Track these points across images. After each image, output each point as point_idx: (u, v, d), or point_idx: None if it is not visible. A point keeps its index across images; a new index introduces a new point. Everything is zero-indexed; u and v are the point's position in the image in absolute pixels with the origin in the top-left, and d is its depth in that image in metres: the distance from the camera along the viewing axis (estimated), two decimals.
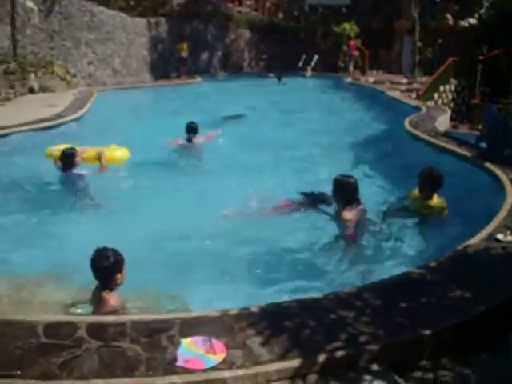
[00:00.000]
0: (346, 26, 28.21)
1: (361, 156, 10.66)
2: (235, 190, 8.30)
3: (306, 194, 6.88)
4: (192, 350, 3.26)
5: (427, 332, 3.60)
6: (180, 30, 25.20)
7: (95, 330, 3.46)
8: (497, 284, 4.34)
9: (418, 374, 3.55)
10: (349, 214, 5.70)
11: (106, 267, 4.18)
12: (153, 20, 24.34)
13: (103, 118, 14.12)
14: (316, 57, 28.08)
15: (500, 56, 21.80)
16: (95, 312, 4.16)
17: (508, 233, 5.32)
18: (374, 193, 8.19)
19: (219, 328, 3.52)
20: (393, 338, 3.52)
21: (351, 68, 26.95)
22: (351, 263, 5.38)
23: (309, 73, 27.47)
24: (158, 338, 3.36)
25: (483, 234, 5.35)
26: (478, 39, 23.44)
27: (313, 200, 6.61)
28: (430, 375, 3.55)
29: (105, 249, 4.26)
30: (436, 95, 21.74)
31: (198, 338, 3.37)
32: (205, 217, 6.97)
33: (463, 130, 16.96)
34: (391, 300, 4.01)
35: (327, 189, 7.13)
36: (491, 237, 5.27)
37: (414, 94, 21.40)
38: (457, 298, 4.07)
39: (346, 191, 5.85)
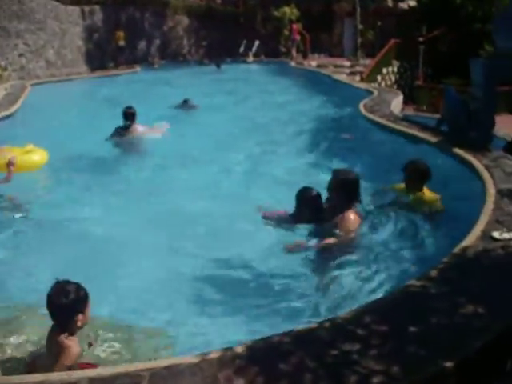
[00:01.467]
0: (286, 9, 27.71)
1: (319, 145, 10.09)
2: (182, 185, 7.58)
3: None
4: None
5: (449, 364, 3.00)
6: (116, 18, 24.16)
7: None
8: (509, 293, 3.80)
9: None
10: (354, 217, 5.04)
11: (65, 305, 3.38)
12: (87, 8, 23.19)
13: (38, 113, 13.08)
14: (257, 42, 27.51)
15: (439, 37, 21.80)
16: (54, 363, 3.34)
17: (504, 230, 4.80)
18: None
19: (199, 380, 2.80)
20: (411, 375, 2.89)
21: (294, 52, 26.56)
22: (341, 278, 4.71)
23: (251, 58, 26.89)
24: None
25: (477, 231, 4.80)
26: (418, 21, 23.34)
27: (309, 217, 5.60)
28: None
29: (65, 282, 3.47)
30: (379, 77, 21.61)
31: None
32: (151, 222, 6.20)
33: (409, 111, 16.77)
34: (397, 323, 3.39)
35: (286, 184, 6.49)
36: (486, 235, 4.73)
37: (357, 77, 21.16)
38: (470, 315, 3.48)
39: (349, 190, 5.18)
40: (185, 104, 13.79)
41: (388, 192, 6.40)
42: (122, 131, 9.84)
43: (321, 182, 6.79)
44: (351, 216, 5.07)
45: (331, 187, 5.29)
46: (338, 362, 2.99)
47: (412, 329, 3.31)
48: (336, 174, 5.32)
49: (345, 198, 5.17)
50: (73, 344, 3.41)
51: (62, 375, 2.85)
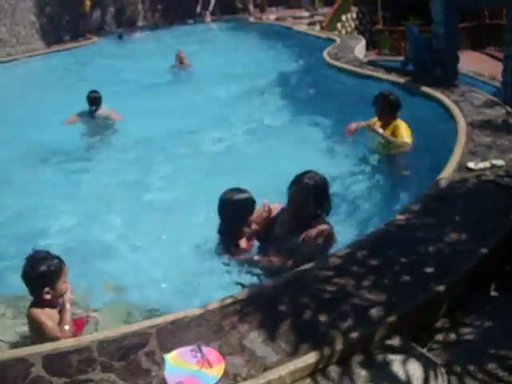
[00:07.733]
0: None
1: (289, 100, 10.01)
2: (151, 168, 7.19)
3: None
4: (182, 367, 2.60)
5: (441, 287, 3.13)
6: None
7: (54, 364, 2.71)
8: (488, 218, 3.93)
9: (439, 337, 3.10)
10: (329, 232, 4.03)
11: (30, 277, 3.33)
12: None
13: None
14: (213, 0, 26.92)
15: None
16: (32, 336, 3.36)
17: (478, 160, 4.93)
18: (314, 136, 7.71)
19: (206, 330, 2.88)
20: (407, 302, 3.02)
21: (251, 7, 26.12)
22: None
23: (208, 18, 26.32)
24: (135, 359, 2.67)
25: (453, 163, 4.94)
26: None
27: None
28: (453, 336, 3.11)
29: (38, 254, 3.40)
30: (339, 25, 21.39)
31: (185, 350, 2.71)
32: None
33: (372, 56, 16.74)
34: (388, 256, 3.50)
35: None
36: (462, 166, 4.87)
37: (317, 27, 20.97)
38: (455, 242, 3.62)
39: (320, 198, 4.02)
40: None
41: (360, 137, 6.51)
42: (87, 116, 9.19)
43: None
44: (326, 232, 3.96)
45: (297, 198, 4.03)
46: (336, 295, 3.10)
47: (402, 260, 3.43)
48: (301, 179, 4.03)
49: (314, 207, 4.01)
50: (38, 313, 3.31)
51: (71, 341, 2.90)
